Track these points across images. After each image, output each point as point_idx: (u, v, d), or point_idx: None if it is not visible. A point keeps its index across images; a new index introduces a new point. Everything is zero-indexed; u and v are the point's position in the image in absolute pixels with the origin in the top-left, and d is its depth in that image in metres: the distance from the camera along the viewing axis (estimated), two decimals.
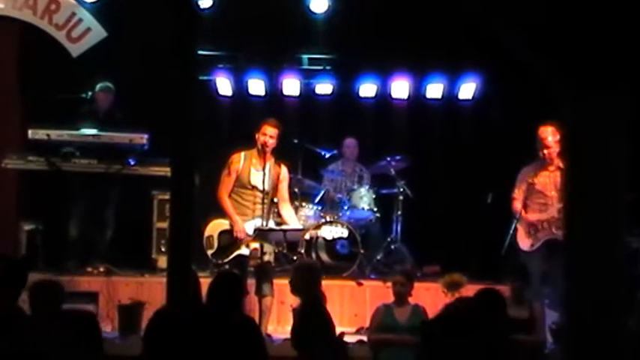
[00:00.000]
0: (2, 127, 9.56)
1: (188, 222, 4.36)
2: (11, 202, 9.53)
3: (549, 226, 7.83)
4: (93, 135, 8.48)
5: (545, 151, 7.84)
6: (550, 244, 7.81)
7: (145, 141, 8.45)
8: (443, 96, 10.28)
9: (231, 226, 7.52)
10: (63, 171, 8.40)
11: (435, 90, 10.27)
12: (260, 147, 7.55)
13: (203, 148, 6.89)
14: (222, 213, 7.62)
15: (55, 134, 8.41)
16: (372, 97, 10.38)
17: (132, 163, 8.46)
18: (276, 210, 7.90)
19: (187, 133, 4.39)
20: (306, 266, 6.64)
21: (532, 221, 7.92)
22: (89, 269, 8.46)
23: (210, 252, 7.59)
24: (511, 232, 7.96)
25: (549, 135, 7.80)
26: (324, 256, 9.02)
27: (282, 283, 7.96)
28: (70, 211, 8.69)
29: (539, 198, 7.98)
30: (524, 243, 7.95)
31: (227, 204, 7.56)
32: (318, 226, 8.70)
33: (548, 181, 7.95)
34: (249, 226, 7.49)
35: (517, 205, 8.00)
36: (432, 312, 6.74)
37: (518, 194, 8.04)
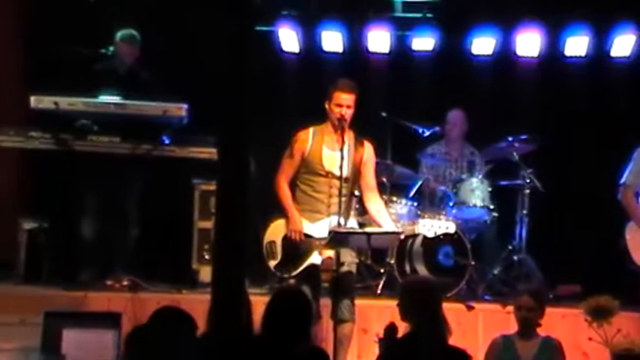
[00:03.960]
0: None
1: (240, 221, 4.38)
2: (8, 193, 9.69)
3: None
4: (115, 104, 8.47)
5: None
6: None
7: (184, 113, 8.48)
8: (588, 53, 10.22)
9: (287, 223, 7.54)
10: (76, 151, 8.49)
11: (577, 45, 10.23)
12: (336, 121, 7.55)
13: (261, 122, 6.90)
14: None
15: (66, 103, 8.40)
16: (488, 55, 10.36)
17: (166, 142, 8.53)
18: (357, 205, 7.90)
19: (240, 103, 4.41)
20: (417, 284, 6.67)
21: None
22: (109, 282, 8.58)
23: (272, 263, 7.61)
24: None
25: None
26: (422, 269, 9.02)
27: (364, 305, 7.98)
28: (84, 205, 8.77)
29: None
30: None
31: (284, 193, 7.59)
32: (413, 223, 8.66)
33: None
34: (321, 227, 7.49)
35: (630, 195, 8.00)
36: (569, 347, 6.70)
37: (634, 181, 8.02)
